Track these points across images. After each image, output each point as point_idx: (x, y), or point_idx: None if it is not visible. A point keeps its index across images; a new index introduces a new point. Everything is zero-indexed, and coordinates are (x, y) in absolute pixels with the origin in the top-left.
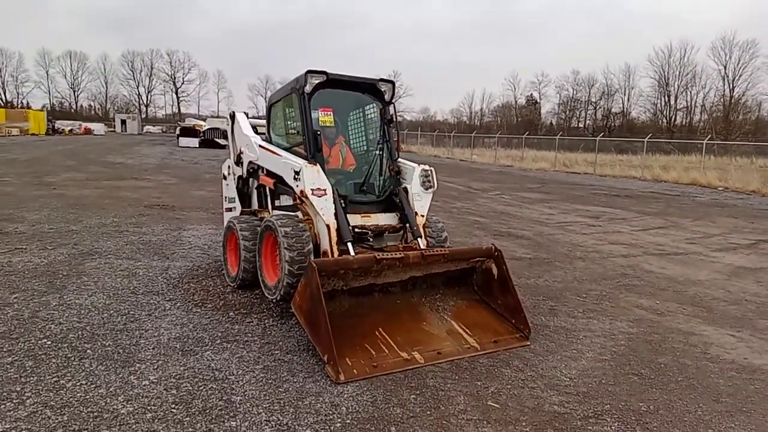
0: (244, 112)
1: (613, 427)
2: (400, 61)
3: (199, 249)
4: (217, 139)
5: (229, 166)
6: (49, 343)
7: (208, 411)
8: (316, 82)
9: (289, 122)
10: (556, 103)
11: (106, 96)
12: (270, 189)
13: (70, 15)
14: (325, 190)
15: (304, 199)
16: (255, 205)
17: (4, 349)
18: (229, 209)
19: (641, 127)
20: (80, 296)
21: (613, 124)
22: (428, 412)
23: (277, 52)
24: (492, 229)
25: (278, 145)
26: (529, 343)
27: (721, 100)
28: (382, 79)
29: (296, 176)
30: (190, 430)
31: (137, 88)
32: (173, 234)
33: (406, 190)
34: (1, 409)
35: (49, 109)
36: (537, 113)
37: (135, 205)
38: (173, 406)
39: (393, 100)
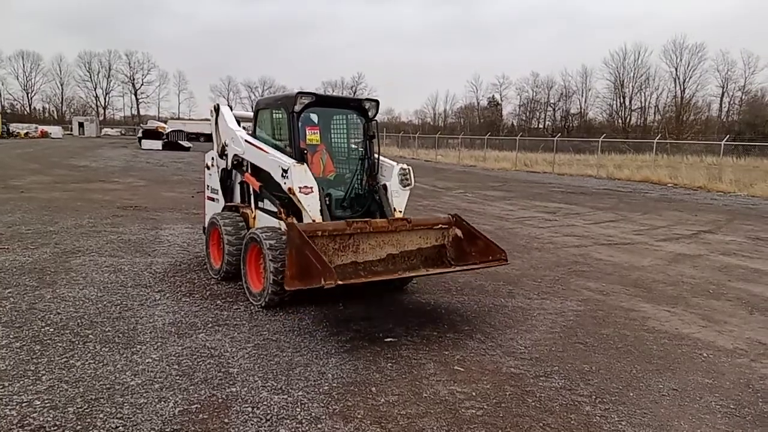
0: (228, 105)
1: (559, 383)
2: (365, 62)
3: (179, 246)
4: (181, 142)
5: (213, 158)
6: (52, 330)
7: (209, 381)
8: (306, 102)
9: (275, 129)
10: (516, 104)
11: (62, 98)
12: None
13: (25, 16)
14: (311, 188)
15: (291, 196)
16: (237, 199)
17: (11, 336)
18: (212, 198)
19: (598, 128)
20: (72, 290)
21: (571, 124)
22: (403, 376)
23: (240, 53)
24: None
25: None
26: (509, 262)
27: (673, 101)
28: (367, 98)
29: (284, 174)
30: (195, 395)
31: (95, 90)
32: (151, 233)
33: (385, 187)
34: (20, 385)
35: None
36: (498, 114)
37: (108, 206)
38: (177, 377)
39: (376, 117)
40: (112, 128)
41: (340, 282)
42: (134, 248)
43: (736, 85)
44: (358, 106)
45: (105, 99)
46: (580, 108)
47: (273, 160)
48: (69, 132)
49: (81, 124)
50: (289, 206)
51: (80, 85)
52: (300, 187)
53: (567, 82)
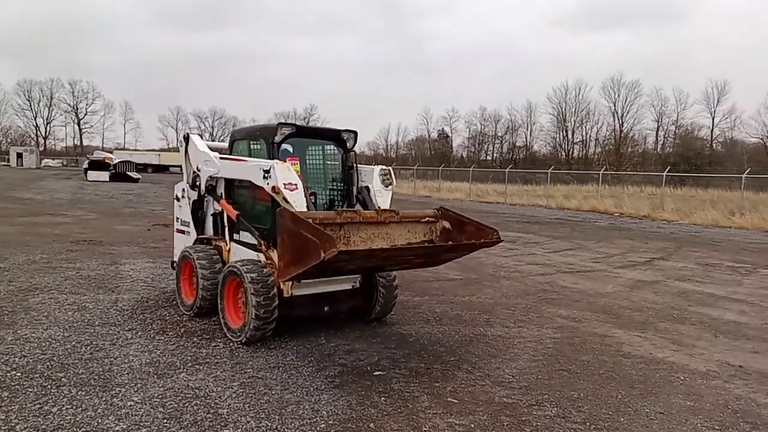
0: (198, 134)
1: (553, 411)
2: (316, 93)
3: (143, 282)
4: (129, 173)
5: (183, 189)
6: (19, 374)
7: (199, 423)
8: (287, 132)
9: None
10: (465, 137)
11: None
12: (229, 219)
13: None
14: (296, 184)
15: (275, 194)
16: (210, 231)
17: None
18: (182, 231)
19: (543, 160)
20: (35, 330)
21: (517, 156)
22: (399, 410)
23: (188, 82)
24: None
25: (240, 185)
26: (503, 240)
27: (613, 134)
28: (345, 130)
29: (266, 175)
30: None
31: (35, 119)
32: (110, 268)
33: (368, 188)
34: None
35: None
36: (449, 146)
37: (60, 241)
38: (164, 421)
39: (354, 148)
40: (53, 159)
41: (342, 249)
42: (96, 285)
43: (670, 120)
44: (336, 137)
45: (46, 129)
46: (526, 141)
47: (253, 166)
48: (6, 163)
49: (19, 155)
50: (269, 237)
51: (18, 114)
52: (285, 184)
53: (513, 116)
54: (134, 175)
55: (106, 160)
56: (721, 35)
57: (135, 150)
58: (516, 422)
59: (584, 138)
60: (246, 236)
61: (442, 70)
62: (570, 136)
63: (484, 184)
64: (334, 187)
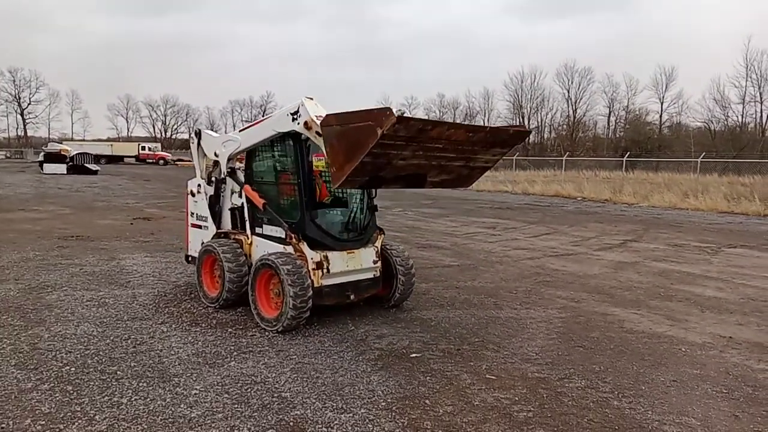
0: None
1: (582, 383)
2: (271, 81)
3: (152, 277)
4: (88, 165)
5: (198, 184)
6: (74, 369)
7: (268, 406)
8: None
9: (277, 158)
10: None
11: None
12: (250, 213)
13: None
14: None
15: (308, 130)
16: (227, 225)
17: (33, 378)
18: (198, 226)
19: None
20: (67, 327)
21: None
22: (447, 388)
23: (138, 70)
24: (414, 242)
25: (262, 181)
26: (531, 131)
27: (566, 120)
28: None
29: (295, 116)
30: (264, 421)
31: None
32: (112, 264)
33: None
34: (77, 426)
35: None
36: None
37: (46, 237)
38: (234, 406)
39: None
40: None
41: (400, 115)
42: (106, 281)
43: (621, 105)
44: None
45: None
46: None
47: (277, 115)
48: None
49: None
50: (298, 230)
51: None
52: (317, 116)
53: (471, 103)
54: (93, 167)
55: (63, 152)
56: (668, 23)
57: (83, 141)
58: (553, 394)
59: (539, 124)
60: (270, 230)
61: (402, 57)
62: (526, 122)
63: None
64: None
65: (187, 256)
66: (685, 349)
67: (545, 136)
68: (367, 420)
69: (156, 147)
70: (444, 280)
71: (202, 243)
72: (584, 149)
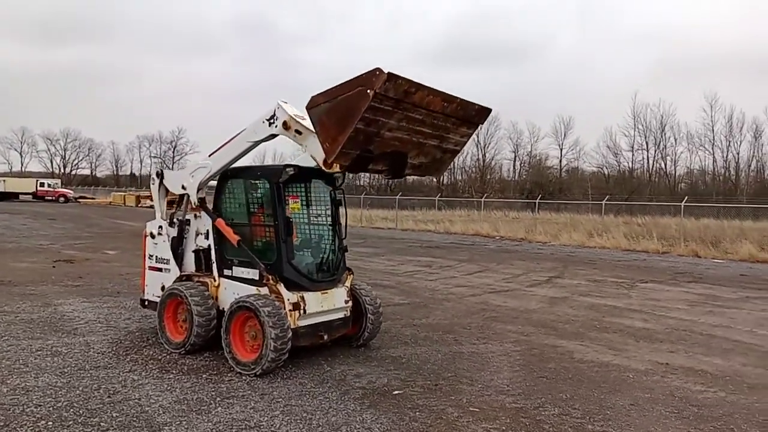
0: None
1: (556, 411)
2: (184, 116)
3: (99, 323)
4: None
5: (160, 226)
6: (51, 423)
7: None
8: (291, 173)
9: (251, 199)
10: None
11: None
12: (218, 254)
13: None
14: (304, 116)
15: (287, 131)
16: (191, 268)
17: None
18: (158, 269)
19: (416, 186)
20: (26, 379)
21: (392, 183)
22: (438, 422)
23: (37, 101)
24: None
25: (233, 222)
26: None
27: (476, 163)
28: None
29: (272, 120)
30: None
31: None
32: (49, 311)
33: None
34: None
35: None
36: None
37: None
38: None
39: (342, 186)
40: None
41: (390, 73)
42: (49, 328)
43: (525, 150)
44: (328, 176)
45: None
46: None
47: (251, 126)
48: None
49: None
50: (274, 272)
51: None
52: (294, 114)
53: None
54: None
55: None
56: (565, 77)
57: None
58: (534, 422)
59: (453, 166)
60: (241, 271)
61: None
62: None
63: (369, 210)
64: (324, 222)
65: (143, 300)
66: (632, 375)
67: (458, 177)
68: None
69: (56, 183)
70: (399, 318)
71: (163, 287)
72: (493, 191)
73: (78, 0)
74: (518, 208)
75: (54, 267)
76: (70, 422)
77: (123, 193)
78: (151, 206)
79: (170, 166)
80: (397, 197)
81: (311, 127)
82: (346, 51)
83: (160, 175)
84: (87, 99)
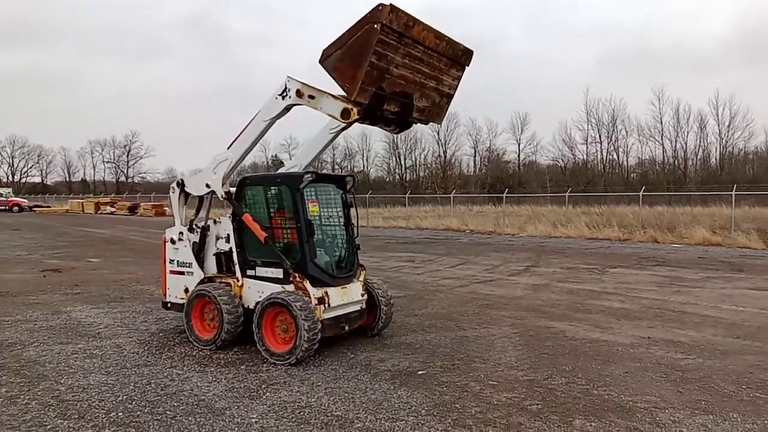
0: None
1: (563, 380)
2: (137, 120)
3: (119, 327)
4: None
5: (180, 232)
6: (121, 414)
7: (329, 424)
8: (310, 179)
9: (271, 205)
10: None
11: None
12: (240, 256)
13: None
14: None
15: (300, 98)
16: (213, 270)
17: (87, 426)
18: (180, 272)
19: (379, 184)
20: (77, 379)
21: (357, 182)
22: (464, 394)
23: None
24: None
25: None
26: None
27: (438, 159)
28: (348, 174)
29: (285, 93)
30: None
31: None
32: (63, 317)
33: None
34: None
35: None
36: None
37: None
38: (301, 427)
39: (352, 189)
40: None
41: (392, 5)
42: (72, 333)
43: (484, 146)
44: (340, 181)
45: None
46: (363, 167)
47: (265, 106)
48: None
49: None
50: (299, 270)
51: None
52: (303, 83)
53: (349, 143)
54: None
55: None
56: (519, 74)
57: None
58: (546, 390)
59: (414, 163)
60: (265, 271)
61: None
62: (402, 161)
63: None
64: (337, 223)
65: (165, 303)
66: (621, 349)
67: (420, 174)
68: (420, 424)
69: (8, 192)
70: (401, 309)
71: (186, 289)
72: (455, 186)
73: (20, 3)
74: (481, 202)
75: (45, 277)
76: (138, 412)
77: (81, 200)
78: (111, 213)
79: (124, 171)
80: (367, 195)
81: (322, 89)
82: (300, 53)
83: (181, 184)
84: (32, 105)
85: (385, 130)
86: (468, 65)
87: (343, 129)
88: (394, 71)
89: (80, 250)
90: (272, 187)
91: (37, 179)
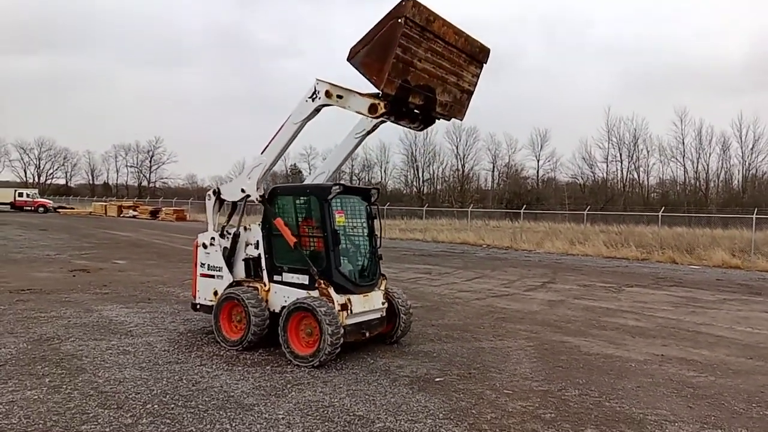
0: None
1: (576, 392)
2: (161, 125)
3: (149, 326)
4: None
5: (212, 237)
6: (157, 406)
7: (351, 422)
8: (338, 191)
9: (299, 214)
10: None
11: None
12: (268, 262)
13: None
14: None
15: (329, 98)
16: (241, 275)
17: (126, 416)
18: (210, 276)
19: (396, 196)
20: (112, 373)
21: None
22: (480, 401)
23: (9, 110)
24: None
25: (280, 234)
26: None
27: (456, 173)
28: (373, 187)
29: (314, 96)
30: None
31: None
32: (95, 315)
33: None
34: None
35: None
36: (300, 182)
37: None
38: (325, 424)
39: (377, 202)
40: None
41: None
42: (105, 330)
43: (502, 162)
44: (365, 193)
45: None
46: (381, 178)
47: (296, 109)
48: None
49: None
50: (324, 277)
51: None
52: (331, 84)
53: (368, 155)
54: None
55: None
56: (541, 90)
57: None
58: (560, 400)
59: (432, 176)
60: (291, 277)
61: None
62: (420, 174)
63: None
64: (361, 233)
65: (194, 305)
66: (634, 365)
67: (438, 187)
68: (438, 426)
69: (35, 193)
70: (418, 319)
71: (215, 292)
72: (472, 200)
73: (51, 7)
74: (498, 217)
75: (74, 276)
76: (172, 405)
77: (104, 203)
78: (134, 216)
79: (147, 176)
80: (385, 207)
81: (350, 88)
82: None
83: (217, 192)
84: (61, 108)
85: (410, 127)
86: (485, 62)
87: (368, 134)
88: (417, 64)
89: (106, 252)
90: (301, 197)
91: (62, 181)
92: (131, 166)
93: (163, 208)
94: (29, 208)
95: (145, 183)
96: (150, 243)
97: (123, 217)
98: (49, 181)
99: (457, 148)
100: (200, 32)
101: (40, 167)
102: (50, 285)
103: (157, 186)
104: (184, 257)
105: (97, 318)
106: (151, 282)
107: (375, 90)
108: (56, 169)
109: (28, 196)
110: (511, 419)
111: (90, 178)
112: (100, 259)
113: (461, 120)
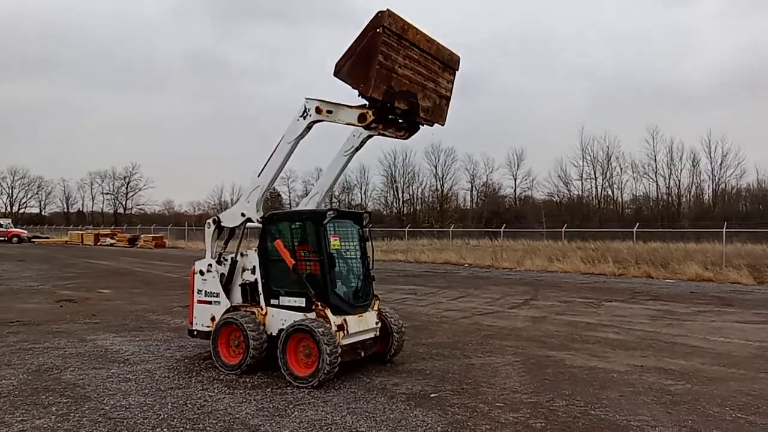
0: None
1: (563, 403)
2: (136, 151)
3: (146, 354)
4: None
5: (209, 264)
6: (167, 429)
7: None
8: (333, 215)
9: (294, 239)
10: (299, 195)
11: None
12: (265, 286)
13: None
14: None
15: (319, 114)
16: (238, 300)
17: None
18: (207, 302)
19: (378, 217)
20: (117, 400)
21: None
22: (476, 414)
23: None
24: None
25: (278, 257)
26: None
27: (435, 193)
28: (365, 211)
29: (305, 114)
30: None
31: None
32: (90, 345)
33: None
34: None
35: None
36: (280, 205)
37: None
38: None
39: (369, 225)
40: None
41: (389, 10)
42: (102, 360)
43: (480, 181)
44: (358, 217)
45: None
46: (361, 200)
47: (289, 130)
48: None
49: None
50: (320, 299)
51: None
52: (321, 101)
53: (348, 177)
54: None
55: None
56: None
57: None
58: (549, 411)
59: (412, 197)
60: (288, 300)
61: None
62: (400, 195)
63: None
64: (354, 256)
65: (191, 331)
66: (616, 375)
67: (417, 208)
68: None
69: (8, 223)
70: (409, 338)
71: (212, 318)
72: (452, 219)
73: (22, 32)
74: (477, 236)
75: (62, 307)
76: (181, 428)
77: (81, 232)
78: (111, 245)
79: (123, 203)
80: (368, 228)
81: (337, 101)
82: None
83: (217, 221)
84: (33, 136)
85: (396, 136)
86: (457, 69)
87: (356, 150)
88: (398, 71)
89: (90, 281)
90: (297, 222)
91: (36, 210)
92: (107, 193)
93: (142, 236)
94: (2, 238)
95: (121, 210)
96: (132, 271)
97: (100, 245)
98: (22, 210)
99: (435, 168)
100: (175, 56)
101: (12, 196)
102: (39, 316)
103: (134, 213)
104: (169, 285)
105: (92, 347)
106: (140, 310)
107: (362, 102)
108: (30, 198)
109: (1, 226)
110: (505, 429)
111: (64, 206)
112: (84, 289)
113: (443, 125)
